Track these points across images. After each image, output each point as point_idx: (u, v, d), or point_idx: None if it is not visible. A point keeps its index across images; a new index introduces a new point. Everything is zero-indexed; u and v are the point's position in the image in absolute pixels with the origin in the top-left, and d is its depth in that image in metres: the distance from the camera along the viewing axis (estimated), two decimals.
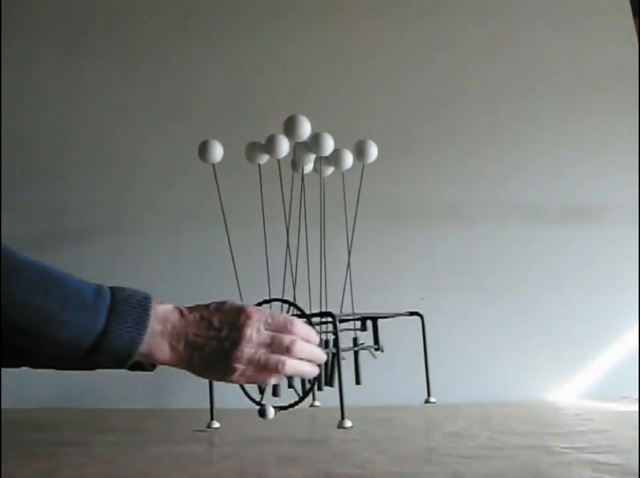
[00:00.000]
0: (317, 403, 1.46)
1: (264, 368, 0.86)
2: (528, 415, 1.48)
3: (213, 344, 0.84)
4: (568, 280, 1.88)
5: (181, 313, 0.83)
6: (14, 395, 1.70)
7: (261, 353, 0.85)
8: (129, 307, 0.80)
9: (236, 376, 0.85)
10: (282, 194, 1.38)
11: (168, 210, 1.90)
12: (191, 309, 0.85)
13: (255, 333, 0.86)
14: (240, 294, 1.29)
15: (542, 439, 1.12)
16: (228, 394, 1.33)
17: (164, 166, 1.93)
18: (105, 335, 0.78)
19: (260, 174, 1.38)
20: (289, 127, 1.32)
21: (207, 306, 0.86)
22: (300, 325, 0.88)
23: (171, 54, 1.96)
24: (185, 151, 1.92)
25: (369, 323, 1.40)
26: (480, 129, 1.94)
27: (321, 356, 0.89)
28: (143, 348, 0.80)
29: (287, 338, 0.87)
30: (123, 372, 0.95)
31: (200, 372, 0.86)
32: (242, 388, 1.28)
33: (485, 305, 1.86)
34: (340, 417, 1.18)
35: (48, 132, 1.93)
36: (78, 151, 1.93)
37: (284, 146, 1.35)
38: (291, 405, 1.23)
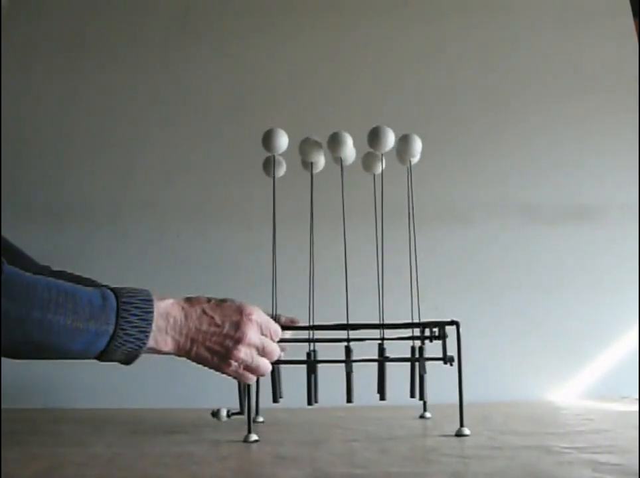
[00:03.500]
0: (260, 418, 1.36)
1: (253, 370, 0.94)
2: (528, 415, 1.48)
3: (214, 340, 0.90)
4: (568, 280, 1.88)
5: (182, 308, 0.88)
6: (14, 395, 1.70)
7: (254, 356, 0.93)
8: (133, 308, 0.83)
9: (228, 370, 0.93)
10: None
11: (168, 210, 1.90)
12: (192, 303, 0.90)
13: (253, 336, 0.92)
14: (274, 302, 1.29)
15: (542, 439, 1.12)
16: (226, 395, 1.33)
17: (164, 166, 1.93)
18: (114, 338, 0.81)
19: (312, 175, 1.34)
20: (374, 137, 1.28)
21: (208, 301, 0.91)
22: (279, 336, 0.97)
23: (171, 54, 1.96)
24: (185, 151, 1.93)
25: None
26: (480, 128, 1.95)
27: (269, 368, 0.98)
28: (149, 343, 0.85)
29: (273, 346, 0.95)
30: (118, 371, 0.96)
31: (197, 361, 0.92)
32: (239, 391, 1.28)
33: (485, 305, 1.86)
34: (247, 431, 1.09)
35: (48, 132, 1.93)
36: (78, 151, 1.93)
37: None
38: (239, 413, 1.27)
